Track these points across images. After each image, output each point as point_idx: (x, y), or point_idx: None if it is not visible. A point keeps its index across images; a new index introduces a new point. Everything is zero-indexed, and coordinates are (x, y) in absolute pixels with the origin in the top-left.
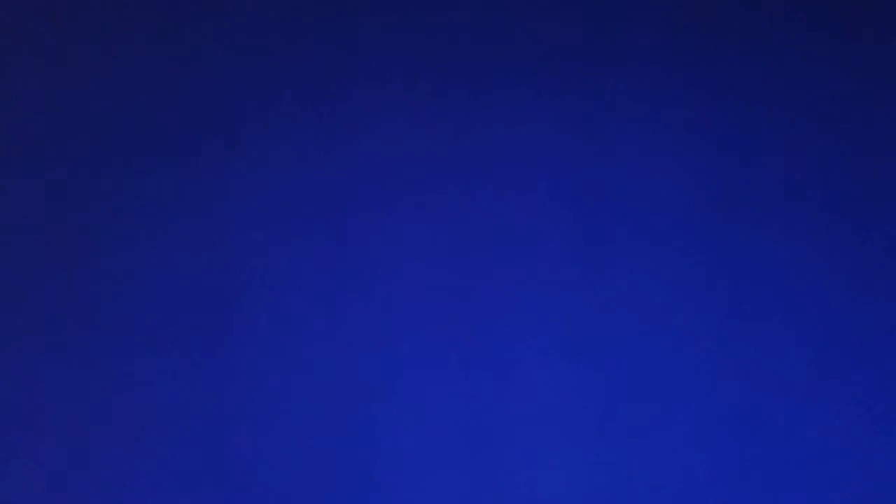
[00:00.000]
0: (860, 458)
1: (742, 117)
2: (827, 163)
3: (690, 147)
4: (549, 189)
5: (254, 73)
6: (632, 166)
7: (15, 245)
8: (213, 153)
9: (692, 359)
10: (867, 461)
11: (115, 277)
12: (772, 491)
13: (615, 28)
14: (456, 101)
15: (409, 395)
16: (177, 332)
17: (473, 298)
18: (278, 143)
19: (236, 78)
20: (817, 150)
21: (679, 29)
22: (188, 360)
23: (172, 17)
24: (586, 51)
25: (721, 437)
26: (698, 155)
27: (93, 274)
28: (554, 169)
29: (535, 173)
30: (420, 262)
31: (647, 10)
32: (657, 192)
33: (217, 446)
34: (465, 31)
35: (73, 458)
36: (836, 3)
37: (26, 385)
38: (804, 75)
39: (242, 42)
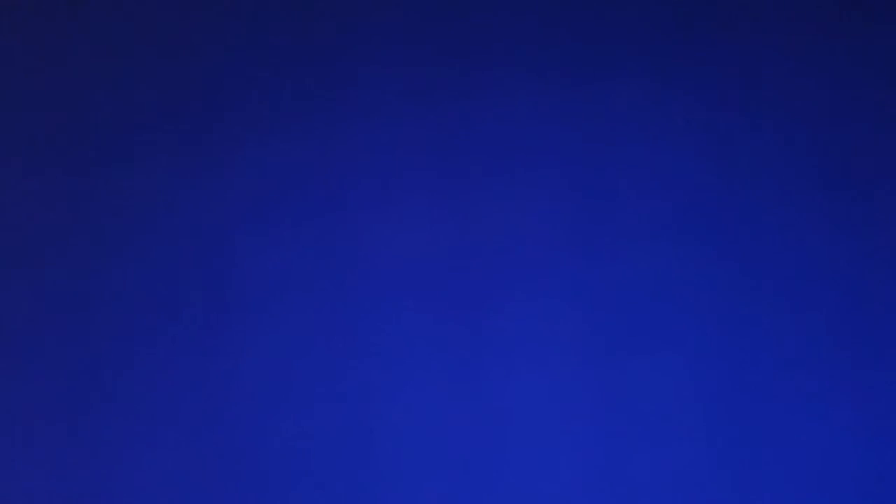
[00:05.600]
0: (863, 458)
1: (742, 115)
2: (828, 160)
3: (691, 145)
4: (548, 187)
5: (249, 74)
6: (633, 164)
7: (14, 244)
8: (209, 151)
9: (694, 357)
10: (869, 460)
11: (115, 275)
12: (774, 490)
13: (615, 28)
14: (454, 98)
15: (410, 394)
16: (175, 331)
17: (473, 296)
18: (278, 140)
19: (230, 78)
20: (818, 148)
21: (679, 29)
22: (187, 359)
23: (169, 14)
24: (585, 50)
25: (724, 437)
26: (698, 153)
27: (92, 272)
28: (554, 167)
29: (535, 171)
30: (420, 260)
31: (647, 10)
32: (658, 190)
33: (216, 444)
34: (463, 30)
35: (73, 457)
36: (836, 3)
37: (26, 383)
38: (805, 72)
39: (238, 41)
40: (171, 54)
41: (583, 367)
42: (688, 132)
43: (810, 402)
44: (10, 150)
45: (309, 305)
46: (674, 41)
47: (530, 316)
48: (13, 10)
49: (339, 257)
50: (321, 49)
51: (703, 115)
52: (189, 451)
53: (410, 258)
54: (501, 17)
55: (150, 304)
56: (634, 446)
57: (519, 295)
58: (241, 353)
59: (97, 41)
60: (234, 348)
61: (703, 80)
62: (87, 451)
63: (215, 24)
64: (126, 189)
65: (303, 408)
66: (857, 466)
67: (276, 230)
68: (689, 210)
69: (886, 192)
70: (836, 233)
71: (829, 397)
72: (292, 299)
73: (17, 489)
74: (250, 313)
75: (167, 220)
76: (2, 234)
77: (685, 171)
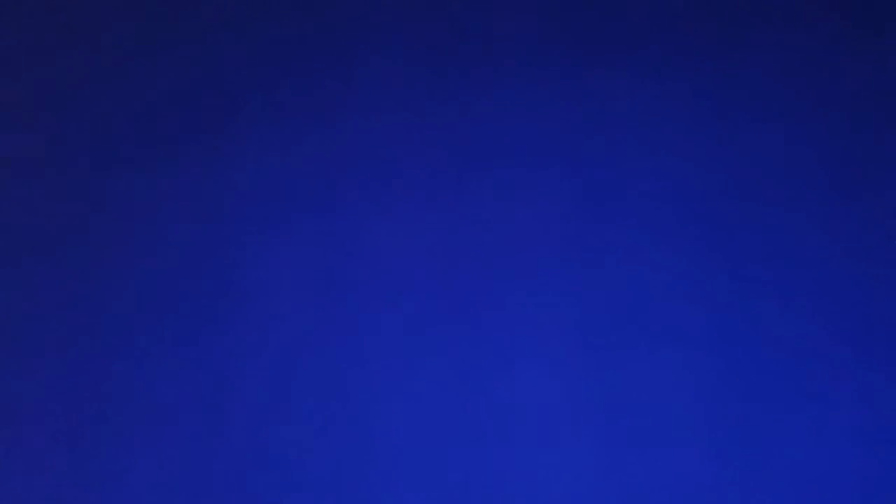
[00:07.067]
0: (862, 458)
1: (743, 115)
2: (828, 160)
3: (691, 144)
4: (547, 187)
5: (250, 73)
6: (633, 163)
7: (13, 244)
8: (210, 150)
9: (694, 356)
10: (869, 460)
11: (114, 275)
12: (773, 489)
13: (615, 27)
14: (455, 98)
15: (409, 392)
16: (173, 331)
17: (473, 296)
18: (276, 140)
19: (229, 77)
20: (818, 147)
21: (679, 28)
22: (185, 359)
23: (169, 14)
24: (586, 49)
25: (724, 436)
26: (699, 152)
27: (92, 272)
28: (554, 167)
29: (534, 171)
30: (418, 258)
31: (647, 10)
32: (658, 190)
33: (215, 445)
34: (464, 29)
35: (72, 458)
36: (837, 3)
37: (25, 384)
38: (805, 72)
39: (237, 41)
40: (171, 54)
41: (583, 366)
42: (688, 132)
43: (810, 402)
44: (9, 150)
45: (308, 305)
46: (674, 41)
47: (530, 315)
48: (13, 9)
49: (337, 256)
50: (320, 48)
51: (703, 115)
52: (187, 452)
53: (409, 257)
54: (501, 15)
55: (149, 305)
56: (634, 446)
57: (518, 294)
58: (241, 352)
59: (97, 40)
60: (233, 348)
61: (703, 80)
62: (85, 451)
63: (215, 24)
64: (125, 189)
65: (302, 407)
66: (856, 466)
67: (276, 229)
68: (689, 209)
69: (887, 192)
70: (836, 233)
71: (829, 397)
72: (292, 299)
73: (17, 489)
74: (250, 313)
75: (166, 220)
76: (1, 234)
77: (685, 170)
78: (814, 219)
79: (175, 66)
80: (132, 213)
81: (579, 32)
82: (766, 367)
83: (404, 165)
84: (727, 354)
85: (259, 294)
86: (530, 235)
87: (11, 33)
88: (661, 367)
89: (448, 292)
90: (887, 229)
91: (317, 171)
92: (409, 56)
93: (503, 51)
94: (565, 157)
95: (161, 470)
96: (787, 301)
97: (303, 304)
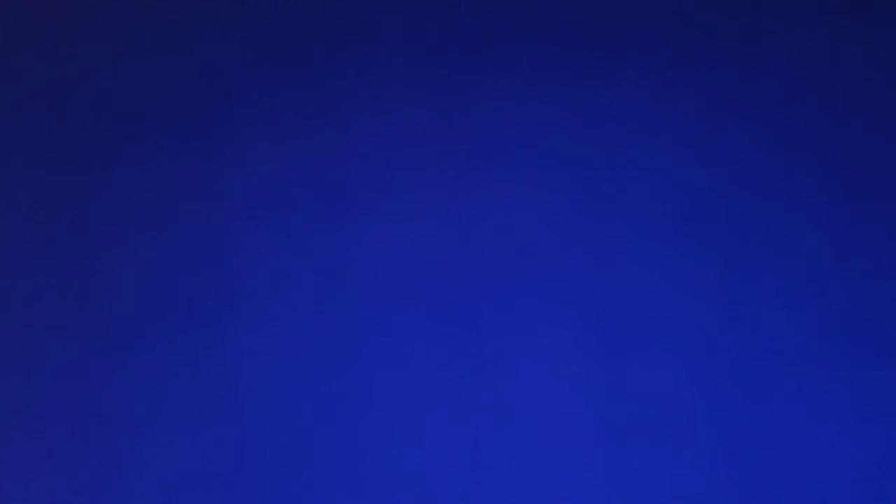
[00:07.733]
0: (862, 458)
1: (743, 115)
2: (828, 160)
3: (691, 145)
4: (548, 188)
5: (251, 72)
6: (633, 164)
7: (13, 244)
8: (208, 151)
9: (694, 357)
10: (868, 460)
11: (113, 276)
12: (772, 489)
13: (615, 28)
14: (457, 98)
15: (409, 393)
16: (174, 331)
17: (475, 297)
18: (278, 140)
19: (230, 78)
20: (818, 148)
21: (679, 29)
22: (186, 359)
23: (169, 14)
24: (586, 50)
25: (724, 436)
26: (699, 152)
27: (91, 272)
28: (554, 168)
29: (535, 171)
30: (419, 259)
31: (647, 10)
32: (660, 191)
33: (214, 446)
34: (463, 29)
35: (72, 458)
36: (836, 4)
37: (26, 384)
38: (805, 73)
39: (238, 41)
40: (171, 54)
41: (583, 367)
42: (688, 132)
43: (809, 402)
44: (9, 150)
45: (309, 305)
46: (675, 41)
47: (530, 315)
48: (13, 9)
49: (338, 257)
50: (322, 49)
51: (703, 115)
52: (188, 452)
53: (410, 257)
54: (502, 16)
55: (149, 305)
56: (634, 447)
57: (518, 294)
58: (241, 352)
59: (97, 40)
60: (234, 348)
61: (703, 80)
62: (85, 451)
63: (215, 24)
64: (126, 189)
65: (302, 408)
66: (856, 466)
67: (276, 229)
68: (689, 210)
69: (886, 192)
70: (835, 233)
71: (829, 397)
72: (292, 299)
73: (17, 489)
74: (250, 312)
75: (167, 220)
76: (1, 232)
77: (685, 171)
78: (814, 220)
79: (175, 66)
80: (132, 212)
81: (581, 34)
82: (766, 367)
83: (406, 166)
84: (728, 355)
85: (261, 294)
86: (532, 236)
87: (12, 33)
88: (661, 368)
89: (449, 293)
90: (887, 229)
91: (318, 171)
92: (412, 57)
93: (506, 52)
94: (568, 159)
95: (161, 470)
96: (788, 302)
97: (305, 304)
